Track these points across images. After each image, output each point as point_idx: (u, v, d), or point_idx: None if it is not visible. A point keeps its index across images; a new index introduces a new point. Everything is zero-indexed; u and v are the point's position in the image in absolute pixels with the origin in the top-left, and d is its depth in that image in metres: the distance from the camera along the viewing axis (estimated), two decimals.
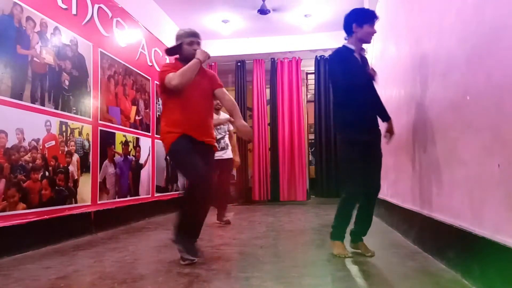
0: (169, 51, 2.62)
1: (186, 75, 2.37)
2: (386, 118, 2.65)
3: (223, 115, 4.46)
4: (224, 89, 2.66)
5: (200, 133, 2.46)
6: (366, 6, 5.04)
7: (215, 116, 4.42)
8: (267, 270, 2.14)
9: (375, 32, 2.46)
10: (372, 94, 2.53)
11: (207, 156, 2.52)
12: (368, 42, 2.48)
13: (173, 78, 2.36)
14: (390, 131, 2.63)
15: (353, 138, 2.42)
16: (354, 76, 2.38)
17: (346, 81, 2.39)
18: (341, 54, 2.46)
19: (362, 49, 2.56)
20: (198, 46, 2.53)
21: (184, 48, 2.51)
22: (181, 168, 2.60)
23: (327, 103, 7.01)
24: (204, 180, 2.34)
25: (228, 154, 4.38)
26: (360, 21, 2.42)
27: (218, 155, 4.27)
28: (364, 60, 2.56)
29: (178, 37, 2.56)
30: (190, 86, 2.42)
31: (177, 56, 2.59)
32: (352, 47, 2.47)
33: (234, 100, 2.65)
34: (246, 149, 7.22)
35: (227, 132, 4.46)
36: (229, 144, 4.45)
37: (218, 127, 4.37)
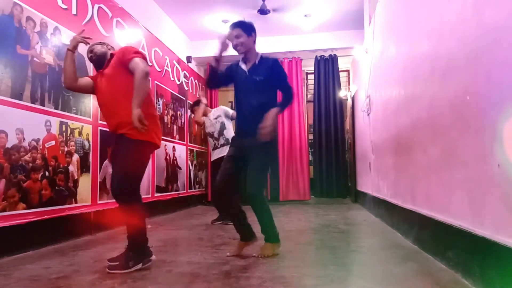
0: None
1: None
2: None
3: (214, 115, 4.29)
4: (135, 61, 2.16)
5: (110, 124, 2.36)
6: (366, 6, 5.05)
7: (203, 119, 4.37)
8: (267, 270, 2.14)
9: (233, 44, 2.55)
10: (248, 100, 2.52)
11: (121, 147, 2.30)
12: (237, 52, 2.57)
13: None
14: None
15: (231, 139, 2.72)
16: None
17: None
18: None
19: (249, 55, 2.56)
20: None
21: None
22: None
23: (327, 103, 7.01)
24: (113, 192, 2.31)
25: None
26: None
27: (217, 153, 4.19)
28: (255, 67, 2.54)
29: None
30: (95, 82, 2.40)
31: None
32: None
33: (140, 79, 2.13)
34: None
35: (226, 125, 4.21)
36: (229, 139, 4.27)
37: (211, 123, 4.26)
